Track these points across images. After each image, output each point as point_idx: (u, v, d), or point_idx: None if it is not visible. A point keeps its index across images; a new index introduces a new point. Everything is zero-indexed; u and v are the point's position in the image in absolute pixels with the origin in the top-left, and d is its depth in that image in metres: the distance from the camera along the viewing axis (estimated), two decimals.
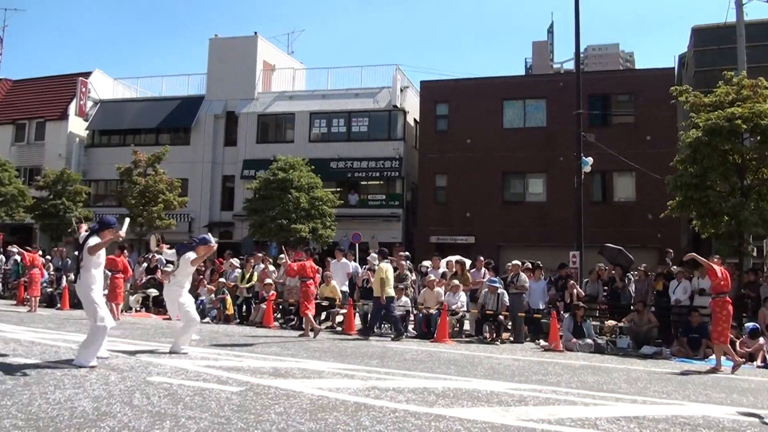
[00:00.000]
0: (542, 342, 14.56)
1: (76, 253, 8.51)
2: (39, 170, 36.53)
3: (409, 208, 33.83)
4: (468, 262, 17.74)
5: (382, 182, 33.84)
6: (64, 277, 21.26)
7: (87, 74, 40.50)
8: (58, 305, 19.75)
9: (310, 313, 14.19)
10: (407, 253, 19.18)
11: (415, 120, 34.95)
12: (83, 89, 39.11)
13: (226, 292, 17.84)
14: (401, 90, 33.87)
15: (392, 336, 14.61)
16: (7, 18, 66.30)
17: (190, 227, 35.03)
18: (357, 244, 24.79)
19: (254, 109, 35.95)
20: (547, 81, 34.28)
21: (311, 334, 13.90)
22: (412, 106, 34.53)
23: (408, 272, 17.20)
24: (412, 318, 16.23)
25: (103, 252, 8.53)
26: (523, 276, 15.72)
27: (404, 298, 16.03)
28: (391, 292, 14.67)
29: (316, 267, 15.43)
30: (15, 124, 41.03)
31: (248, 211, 28.39)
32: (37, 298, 18.69)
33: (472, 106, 31.78)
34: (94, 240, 8.37)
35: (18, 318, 15.55)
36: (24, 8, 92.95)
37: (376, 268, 15.03)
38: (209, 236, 10.81)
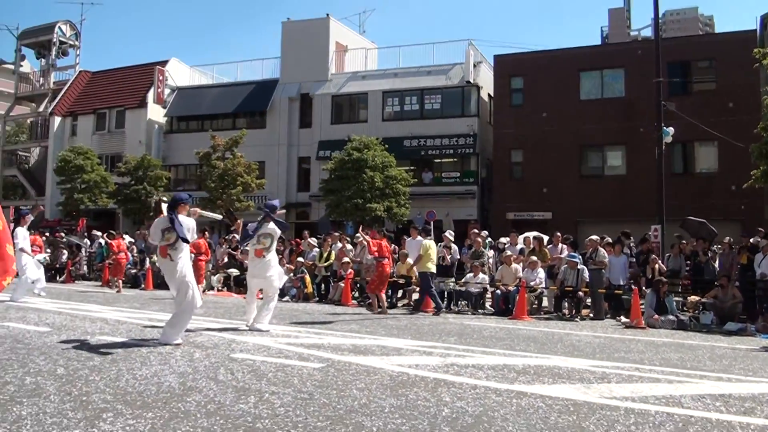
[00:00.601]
0: (623, 318, 14.23)
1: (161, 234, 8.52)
2: (120, 157, 38.01)
3: (484, 184, 33.51)
4: (546, 238, 17.48)
5: (456, 159, 33.60)
6: (147, 258, 22.05)
7: (163, 63, 41.68)
8: (142, 285, 20.57)
9: (381, 293, 14.33)
10: (486, 232, 19.05)
11: (489, 95, 34.47)
12: (160, 77, 40.27)
13: (305, 271, 18.15)
14: (474, 65, 33.43)
15: (434, 311, 14.57)
16: (84, 12, 69.07)
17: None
18: (432, 222, 24.76)
19: (328, 91, 36.21)
20: (625, 49, 33.16)
21: (388, 310, 14.04)
22: (485, 81, 34.05)
23: (484, 249, 17.08)
24: (489, 295, 16.13)
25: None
26: (602, 251, 15.37)
27: (481, 275, 15.95)
28: (431, 267, 14.64)
29: (391, 246, 15.50)
30: (96, 114, 42.70)
31: (324, 192, 28.75)
32: (122, 280, 19.57)
33: (548, 79, 31.09)
34: (185, 222, 8.36)
35: (104, 298, 16.26)
36: (100, 1, 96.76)
37: (424, 243, 14.95)
38: (275, 202, 11.05)
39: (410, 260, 16.66)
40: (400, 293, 16.95)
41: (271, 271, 10.08)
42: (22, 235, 14.31)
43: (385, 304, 14.36)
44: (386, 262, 14.27)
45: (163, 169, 35.94)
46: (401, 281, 16.61)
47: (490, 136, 33.11)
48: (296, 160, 37.13)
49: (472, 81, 33.10)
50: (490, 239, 18.34)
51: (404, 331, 10.82)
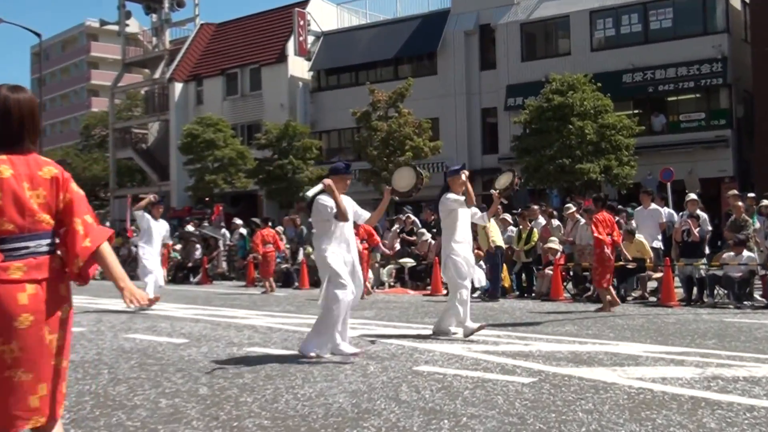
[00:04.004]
0: None
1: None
2: (259, 126, 39.71)
3: (741, 127, 31.73)
4: None
5: (698, 95, 32.12)
6: (301, 250, 22.89)
7: (304, 4, 43.05)
8: (296, 284, 21.42)
9: (606, 284, 13.91)
10: (753, 194, 17.98)
11: (742, 1, 32.50)
12: (301, 23, 41.59)
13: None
14: None
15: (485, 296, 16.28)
16: None
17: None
18: (669, 183, 23.73)
19: (515, 18, 35.79)
20: None
21: (611, 308, 13.65)
22: None
23: (749, 217, 16.10)
24: (759, 281, 15.22)
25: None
26: None
27: (746, 254, 15.03)
28: (497, 241, 16.84)
29: (614, 218, 14.99)
30: (225, 75, 44.83)
31: (518, 152, 28.50)
32: (272, 279, 20.17)
33: None
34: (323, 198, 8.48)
35: (250, 301, 17.13)
36: None
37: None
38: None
39: (640, 237, 16.09)
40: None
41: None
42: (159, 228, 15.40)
43: (607, 301, 13.94)
44: (608, 241, 13.82)
45: (313, 137, 37.10)
46: (630, 266, 16.05)
47: (747, 59, 31.21)
48: (479, 113, 37.14)
49: None
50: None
51: (640, 333, 10.50)
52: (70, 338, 3.74)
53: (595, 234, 13.90)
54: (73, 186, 3.76)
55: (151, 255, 15.18)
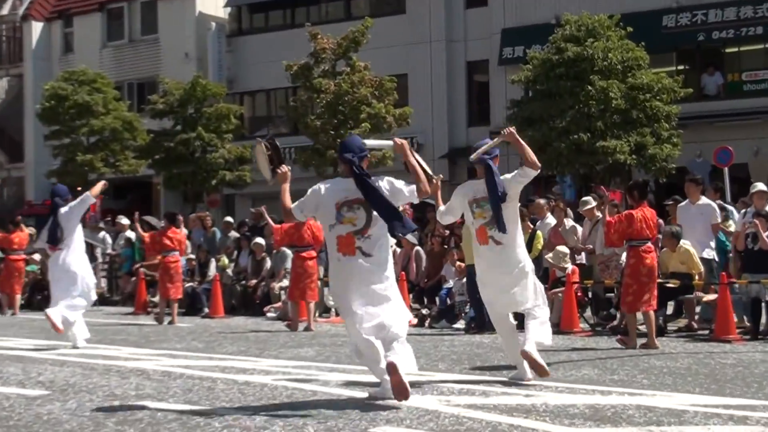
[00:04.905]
0: None
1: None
2: (154, 85, 39.26)
3: None
4: None
5: (767, 46, 32.41)
6: (212, 261, 22.62)
7: None
8: (205, 310, 21.28)
9: (646, 307, 13.91)
10: None
11: None
12: None
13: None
14: None
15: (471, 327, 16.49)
16: None
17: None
18: (726, 169, 23.91)
19: None
20: None
21: (657, 342, 13.70)
22: None
23: None
24: None
25: None
26: None
27: None
28: None
29: (655, 217, 15.02)
30: (105, 12, 44.31)
31: (517, 123, 28.53)
32: (175, 301, 19.66)
33: None
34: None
35: (140, 335, 17.08)
36: None
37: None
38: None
39: (685, 244, 15.97)
40: (670, 307, 16.50)
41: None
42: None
43: (653, 332, 13.98)
44: (647, 248, 13.86)
45: (230, 100, 36.82)
46: (670, 284, 16.03)
47: None
48: (463, 69, 37.31)
49: None
50: None
51: (686, 378, 10.56)
52: None
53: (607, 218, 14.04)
54: None
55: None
